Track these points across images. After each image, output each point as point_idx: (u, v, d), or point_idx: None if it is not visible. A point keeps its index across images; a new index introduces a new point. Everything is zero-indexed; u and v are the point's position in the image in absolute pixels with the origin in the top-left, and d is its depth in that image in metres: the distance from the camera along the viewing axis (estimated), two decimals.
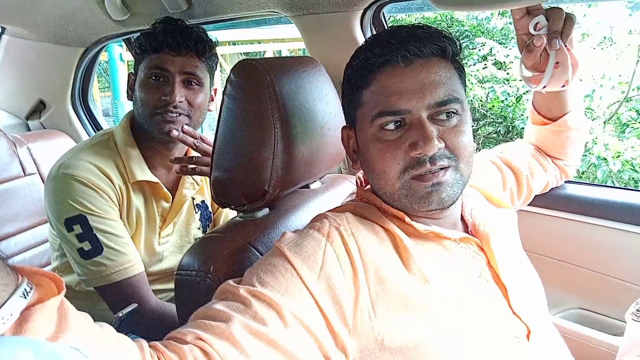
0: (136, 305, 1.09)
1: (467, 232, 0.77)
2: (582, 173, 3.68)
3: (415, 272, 0.67)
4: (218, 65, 1.29)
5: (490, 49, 4.73)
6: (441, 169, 0.67)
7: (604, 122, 4.22)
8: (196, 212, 1.32)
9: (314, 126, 0.86)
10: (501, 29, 5.35)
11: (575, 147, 1.03)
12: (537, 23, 0.78)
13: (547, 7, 0.79)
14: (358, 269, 0.65)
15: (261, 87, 0.77)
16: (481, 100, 4.75)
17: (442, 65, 0.69)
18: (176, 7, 1.32)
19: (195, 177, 1.29)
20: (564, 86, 0.82)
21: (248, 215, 0.87)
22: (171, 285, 1.33)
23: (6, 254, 0.43)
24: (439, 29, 0.71)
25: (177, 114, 1.14)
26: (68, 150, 1.22)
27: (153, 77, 1.15)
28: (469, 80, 4.82)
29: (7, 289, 0.40)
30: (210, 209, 1.36)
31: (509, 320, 0.70)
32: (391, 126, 0.68)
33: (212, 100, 1.26)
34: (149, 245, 1.25)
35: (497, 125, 4.68)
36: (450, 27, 5.16)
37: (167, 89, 1.14)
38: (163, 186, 1.23)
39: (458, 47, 0.72)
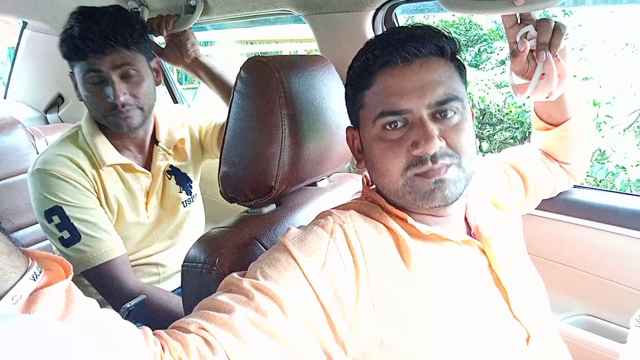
0: (144, 297, 1.12)
1: (470, 235, 0.77)
2: (600, 181, 3.63)
3: (416, 272, 0.68)
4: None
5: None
6: (442, 166, 0.68)
7: (624, 130, 4.16)
8: (169, 179, 1.35)
9: (322, 124, 0.87)
10: None
11: (581, 151, 1.03)
12: (527, 33, 0.78)
13: (538, 18, 0.79)
14: (360, 266, 0.65)
15: (270, 84, 0.79)
16: (498, 105, 4.71)
17: (441, 64, 0.70)
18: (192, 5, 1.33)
19: (166, 147, 1.32)
20: (548, 97, 0.82)
21: (255, 210, 0.88)
22: (172, 259, 1.39)
23: (22, 244, 0.45)
24: (437, 28, 0.72)
25: (127, 110, 1.16)
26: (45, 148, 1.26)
27: (90, 81, 1.13)
28: (486, 84, 4.78)
29: (17, 271, 0.42)
30: (184, 171, 1.39)
31: (509, 323, 0.70)
32: (393, 126, 0.69)
33: (158, 75, 1.26)
34: (137, 221, 1.30)
35: (514, 130, 4.63)
36: (469, 30, 5.11)
37: (108, 89, 1.13)
38: (136, 165, 1.26)
39: (457, 46, 0.72)
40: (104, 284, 1.18)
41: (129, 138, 1.26)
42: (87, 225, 1.17)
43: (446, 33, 0.72)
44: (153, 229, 1.34)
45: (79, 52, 1.11)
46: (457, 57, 0.72)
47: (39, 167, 1.17)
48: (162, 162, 1.32)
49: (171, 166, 1.36)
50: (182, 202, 1.38)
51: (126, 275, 1.19)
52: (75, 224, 1.15)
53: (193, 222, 1.44)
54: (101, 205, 1.22)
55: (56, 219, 1.15)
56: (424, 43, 0.68)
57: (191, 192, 1.40)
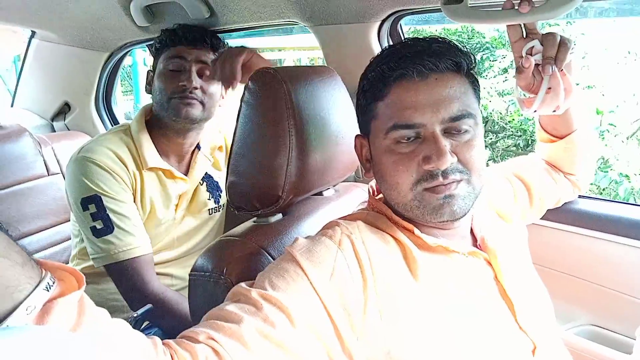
0: (151, 305, 1.13)
1: (476, 246, 0.77)
2: (604, 189, 3.63)
3: (423, 283, 0.68)
4: None
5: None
6: (453, 182, 0.68)
7: (627, 138, 4.16)
8: (201, 184, 1.40)
9: (329, 134, 0.88)
10: None
11: (585, 162, 1.03)
12: (532, 47, 0.78)
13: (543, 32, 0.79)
14: (368, 277, 0.66)
15: (278, 95, 0.79)
16: (501, 113, 4.73)
17: (457, 80, 0.70)
18: (198, 15, 1.35)
19: (207, 153, 1.40)
20: (554, 111, 0.82)
21: (262, 220, 0.89)
22: (185, 272, 1.40)
23: (28, 251, 0.45)
24: (455, 42, 0.72)
25: (193, 98, 1.23)
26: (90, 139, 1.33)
27: (171, 68, 1.25)
28: (488, 92, 4.80)
29: (31, 282, 0.42)
30: (216, 180, 1.44)
31: (515, 334, 0.71)
32: (405, 139, 0.69)
33: (222, 97, 1.34)
34: (165, 221, 1.33)
35: (516, 138, 4.65)
36: (471, 38, 5.13)
37: (184, 76, 1.23)
38: (175, 171, 1.31)
39: (473, 62, 0.72)
40: (126, 282, 1.19)
41: (175, 143, 1.31)
42: (122, 219, 1.19)
43: (463, 48, 0.72)
44: (175, 230, 1.37)
45: (174, 38, 1.26)
46: (472, 72, 0.73)
47: (83, 154, 1.21)
48: (201, 169, 1.38)
49: (206, 173, 1.41)
50: (209, 210, 1.42)
51: (150, 276, 1.21)
52: (111, 215, 1.18)
53: (214, 232, 1.46)
54: (134, 202, 1.25)
55: (92, 208, 1.18)
56: (441, 58, 0.68)
57: (219, 202, 1.44)
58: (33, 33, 1.91)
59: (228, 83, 1.17)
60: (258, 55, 1.18)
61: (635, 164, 3.78)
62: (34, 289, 0.42)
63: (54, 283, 0.44)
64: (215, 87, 1.28)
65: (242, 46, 1.18)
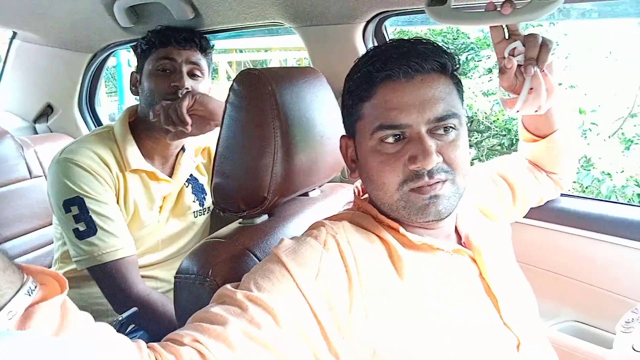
0: (136, 309, 1.12)
1: (461, 244, 0.78)
2: (586, 188, 3.68)
3: (408, 281, 0.69)
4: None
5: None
6: (438, 182, 0.69)
7: (609, 137, 4.23)
8: (186, 187, 1.39)
9: (314, 135, 0.88)
10: None
11: (567, 161, 1.05)
12: (515, 48, 0.79)
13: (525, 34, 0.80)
14: (353, 277, 0.66)
15: (263, 96, 0.80)
16: (485, 113, 4.77)
17: (442, 81, 0.71)
18: (183, 15, 1.35)
19: (192, 155, 1.40)
20: (536, 111, 0.84)
21: (247, 221, 0.89)
22: (170, 275, 1.38)
23: (10, 255, 0.45)
24: (439, 44, 0.73)
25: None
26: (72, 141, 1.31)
27: (161, 68, 1.25)
28: (473, 92, 4.84)
29: (13, 287, 0.42)
30: (202, 183, 1.44)
31: (500, 330, 0.72)
32: (391, 139, 0.70)
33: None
34: (149, 223, 1.32)
35: (501, 137, 4.69)
36: (456, 39, 5.17)
37: (174, 77, 1.23)
38: (159, 173, 1.30)
39: (457, 63, 0.73)
40: (110, 284, 1.18)
41: (162, 145, 1.30)
42: (105, 220, 1.18)
43: (448, 50, 0.73)
44: (160, 232, 1.36)
45: (163, 39, 1.26)
46: (456, 73, 0.74)
47: (65, 156, 1.20)
48: (185, 170, 1.37)
49: (191, 175, 1.40)
50: (194, 212, 1.42)
51: (134, 277, 1.20)
52: (94, 217, 1.17)
53: (198, 236, 1.45)
54: (118, 204, 1.24)
55: (75, 210, 1.16)
56: (426, 59, 0.69)
57: (203, 204, 1.44)
58: (14, 34, 1.88)
59: (174, 128, 1.16)
60: (205, 95, 1.19)
61: (617, 162, 3.84)
62: (15, 294, 0.42)
63: (36, 287, 0.44)
64: (205, 87, 1.28)
65: (186, 92, 1.20)
